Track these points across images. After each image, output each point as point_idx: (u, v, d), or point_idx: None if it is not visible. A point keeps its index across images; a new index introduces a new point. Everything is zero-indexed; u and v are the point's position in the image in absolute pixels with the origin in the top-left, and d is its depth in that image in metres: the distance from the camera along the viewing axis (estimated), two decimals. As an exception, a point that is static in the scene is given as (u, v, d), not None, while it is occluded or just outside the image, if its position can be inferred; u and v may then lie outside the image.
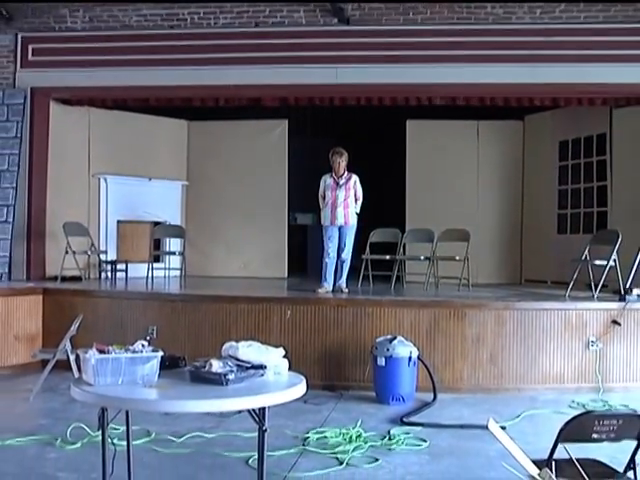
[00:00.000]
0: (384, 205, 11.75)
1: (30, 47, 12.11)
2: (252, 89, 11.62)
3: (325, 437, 6.64)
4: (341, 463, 5.90)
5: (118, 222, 13.34)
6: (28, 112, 11.99)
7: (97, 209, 13.08)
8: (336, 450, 6.24)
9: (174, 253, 12.53)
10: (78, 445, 6.34)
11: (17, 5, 11.98)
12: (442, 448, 6.41)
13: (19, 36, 12.14)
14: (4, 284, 11.14)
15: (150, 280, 11.64)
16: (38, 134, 12.06)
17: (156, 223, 13.33)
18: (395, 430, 6.89)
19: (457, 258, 11.12)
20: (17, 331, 9.96)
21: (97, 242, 12.55)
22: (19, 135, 11.87)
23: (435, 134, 13.11)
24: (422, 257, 11.48)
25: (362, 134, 13.37)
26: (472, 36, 10.92)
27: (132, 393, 4.31)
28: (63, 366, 8.35)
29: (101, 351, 4.41)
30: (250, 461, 5.77)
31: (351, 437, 6.57)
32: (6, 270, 11.59)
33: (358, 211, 10.27)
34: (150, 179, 13.52)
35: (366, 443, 6.43)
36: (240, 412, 4.89)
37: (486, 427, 3.87)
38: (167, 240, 13.14)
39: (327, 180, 10.24)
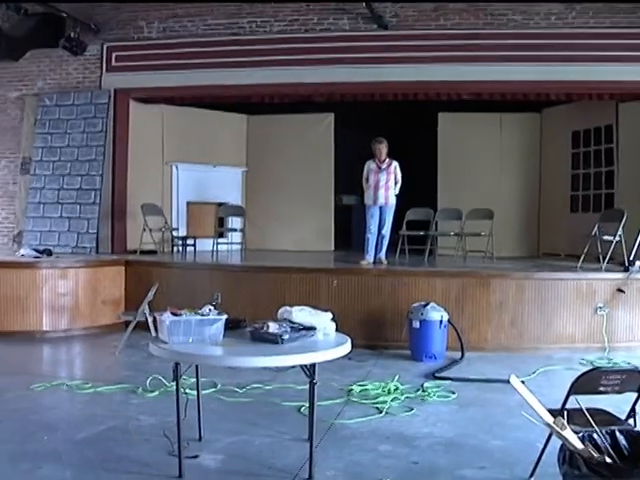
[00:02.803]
0: (419, 187, 11.68)
1: (114, 54, 12.22)
2: (303, 87, 11.58)
3: (367, 389, 6.67)
4: (380, 412, 5.93)
5: (187, 203, 13.43)
6: (112, 110, 12.09)
7: (170, 192, 13.17)
8: (376, 401, 6.26)
9: (236, 230, 12.57)
10: (156, 393, 6.46)
11: (103, 19, 12.10)
12: (468, 399, 6.41)
13: (105, 45, 12.25)
14: (93, 257, 11.27)
15: (215, 253, 11.71)
16: (120, 128, 12.18)
17: (220, 204, 13.38)
18: (428, 384, 6.90)
19: (482, 234, 11.05)
20: (104, 297, 10.10)
21: (170, 220, 12.64)
22: (104, 129, 11.98)
23: (463, 125, 13.00)
24: (452, 233, 11.44)
25: (400, 125, 13.29)
26: (495, 39, 10.79)
27: (201, 350, 4.39)
28: (142, 327, 8.44)
29: (174, 314, 4.49)
30: (302, 409, 5.82)
31: (389, 389, 6.60)
32: (94, 245, 11.72)
33: (397, 192, 10.23)
34: (215, 166, 13.57)
35: (402, 395, 6.46)
36: (293, 367, 4.93)
37: (507, 381, 3.88)
38: (230, 218, 13.18)
39: (370, 165, 10.22)
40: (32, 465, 4.60)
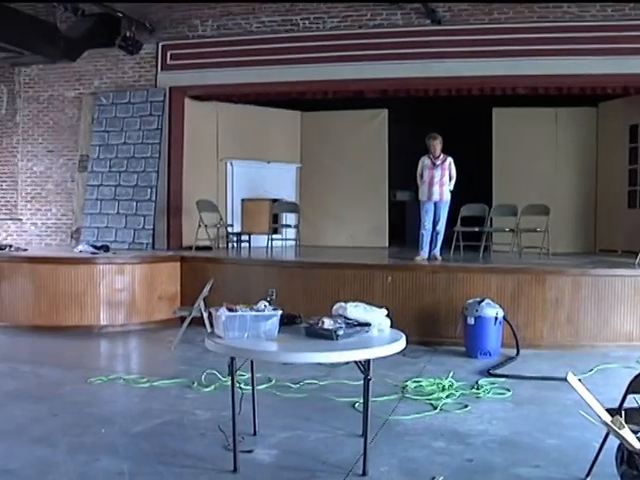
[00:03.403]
0: (473, 183, 11.58)
1: (169, 53, 12.36)
2: (356, 83, 11.55)
3: (421, 386, 6.64)
4: (435, 408, 5.90)
5: (242, 199, 13.49)
6: (167, 107, 12.24)
7: (225, 188, 13.27)
8: (430, 397, 6.24)
9: (290, 226, 12.62)
10: (211, 388, 6.51)
11: (158, 18, 12.24)
12: (524, 397, 6.34)
13: (160, 44, 12.41)
14: (149, 253, 11.42)
15: (270, 249, 11.75)
16: (175, 126, 12.31)
17: (274, 200, 13.43)
18: (482, 380, 6.84)
19: (538, 230, 10.91)
20: (160, 292, 10.22)
21: (225, 217, 12.73)
22: (160, 127, 12.13)
23: (518, 120, 12.81)
24: (507, 229, 11.31)
25: (454, 120, 13.18)
26: (550, 32, 10.62)
27: (256, 345, 4.41)
28: (197, 322, 8.55)
29: (230, 309, 4.52)
30: (356, 405, 5.82)
31: (444, 386, 6.56)
32: (150, 241, 11.87)
33: (452, 189, 10.15)
34: (269, 162, 13.64)
35: (457, 391, 6.41)
36: (347, 363, 4.92)
37: (564, 379, 3.83)
38: (284, 215, 13.22)
39: (425, 161, 10.16)
40: (90, 457, 4.68)
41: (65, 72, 13.07)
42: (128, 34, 11.91)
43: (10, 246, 11.31)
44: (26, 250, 11.34)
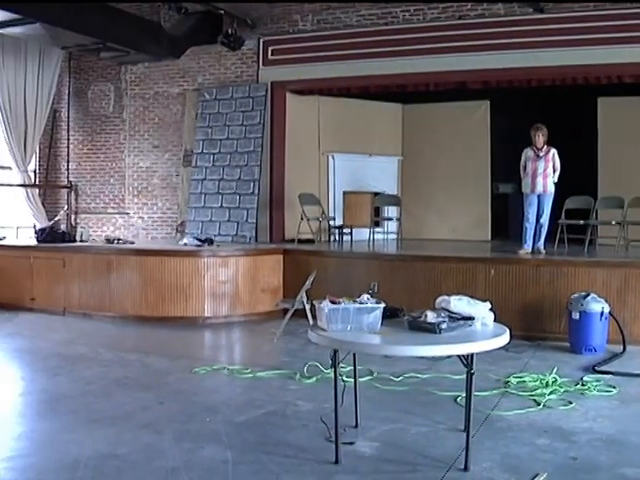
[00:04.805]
0: (578, 175, 11.30)
1: (270, 48, 12.49)
2: (458, 74, 11.40)
3: (524, 381, 6.55)
4: (538, 404, 5.81)
5: (344, 192, 13.53)
6: (269, 102, 12.38)
7: (326, 182, 13.34)
8: (534, 393, 6.14)
9: (391, 219, 12.62)
10: (313, 380, 6.58)
11: (259, 15, 12.40)
12: (631, 395, 6.17)
13: (261, 40, 12.55)
14: (252, 246, 11.59)
15: (371, 242, 11.77)
16: (277, 120, 12.46)
17: (376, 193, 13.43)
18: (587, 377, 6.69)
19: (646, 222, 10.60)
20: (263, 284, 10.37)
21: (327, 210, 12.81)
22: (262, 121, 12.28)
23: (624, 109, 12.39)
24: (613, 222, 10.97)
25: (558, 110, 12.88)
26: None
27: (359, 338, 4.44)
28: (299, 314, 8.65)
29: (333, 302, 4.56)
30: (458, 399, 5.80)
31: (547, 382, 6.44)
32: (253, 234, 12.02)
33: (556, 181, 9.95)
34: (370, 155, 13.65)
35: (561, 388, 6.29)
36: (449, 357, 4.91)
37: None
38: (385, 208, 13.21)
39: (528, 153, 9.99)
40: (194, 445, 4.81)
41: (169, 69, 13.39)
42: (230, 31, 12.10)
43: (118, 239, 11.65)
44: (133, 243, 11.69)
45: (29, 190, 13.57)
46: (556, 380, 6.52)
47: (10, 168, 13.22)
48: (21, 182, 13.37)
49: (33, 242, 11.66)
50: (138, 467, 4.42)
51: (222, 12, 12.01)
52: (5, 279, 11.01)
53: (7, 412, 5.82)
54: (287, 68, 12.31)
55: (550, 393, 6.12)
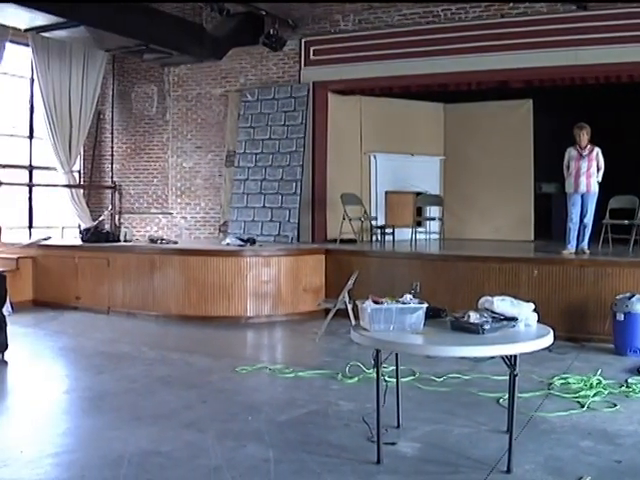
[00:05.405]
0: (622, 174, 11.15)
1: (311, 49, 12.53)
2: (500, 73, 11.33)
3: (568, 383, 6.49)
4: (582, 406, 5.75)
5: (386, 192, 13.52)
6: (311, 102, 12.41)
7: (368, 182, 13.33)
8: (577, 395, 6.08)
9: (434, 219, 12.57)
10: (355, 380, 6.58)
11: (301, 15, 12.44)
12: (677, 397, 6.10)
13: (302, 41, 12.59)
14: (294, 245, 11.63)
15: (413, 242, 11.74)
16: (319, 120, 12.48)
17: (418, 193, 13.39)
18: (632, 379, 6.59)
19: (693, 222, 10.42)
20: (305, 284, 10.39)
21: (369, 210, 12.79)
22: (304, 122, 12.31)
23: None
24: (659, 222, 10.86)
25: (602, 109, 12.73)
26: None
27: (402, 338, 4.44)
28: (341, 314, 8.66)
29: (376, 302, 4.56)
30: (501, 400, 5.76)
31: (591, 384, 6.38)
32: (295, 234, 12.05)
33: (600, 180, 9.83)
34: (412, 155, 13.61)
35: (605, 390, 6.22)
36: (492, 358, 4.88)
37: None
38: (428, 208, 13.16)
39: (571, 152, 9.89)
40: (237, 443, 4.85)
41: (211, 70, 13.49)
42: (272, 31, 12.15)
43: (162, 239, 11.75)
44: (176, 243, 11.79)
45: (74, 191, 13.74)
46: (600, 382, 6.45)
47: (55, 169, 13.40)
48: (66, 183, 13.54)
49: (78, 242, 11.86)
50: (181, 465, 4.47)
51: (264, 13, 12.06)
52: (51, 278, 11.20)
53: (52, 409, 5.92)
54: (329, 68, 12.32)
55: (594, 395, 6.05)
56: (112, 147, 14.62)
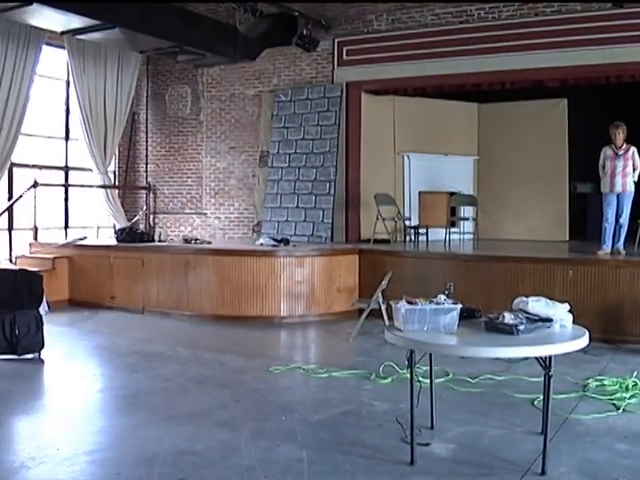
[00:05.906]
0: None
1: (344, 49, 12.52)
2: (534, 72, 11.22)
3: (603, 385, 6.44)
4: (618, 409, 5.70)
5: (419, 193, 13.48)
6: (344, 102, 12.40)
7: (402, 182, 13.30)
8: (613, 397, 6.03)
9: (467, 219, 12.50)
10: (389, 380, 6.59)
11: (334, 16, 12.45)
12: None
13: (335, 41, 12.59)
14: (328, 246, 11.63)
15: (447, 242, 11.69)
16: (352, 120, 12.48)
17: (452, 193, 13.34)
18: (669, 381, 6.55)
19: None
20: (338, 284, 10.41)
21: (402, 210, 12.77)
22: (337, 122, 12.31)
23: None
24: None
25: (638, 108, 12.57)
26: None
27: (436, 339, 4.43)
28: (375, 314, 8.66)
29: (410, 302, 4.56)
30: (535, 402, 5.73)
31: (627, 386, 6.31)
32: (329, 234, 12.06)
33: (636, 180, 9.73)
34: (446, 155, 13.56)
35: (642, 392, 6.18)
36: (526, 359, 4.86)
37: None
38: (461, 208, 13.10)
39: (607, 151, 9.80)
40: (270, 443, 4.87)
41: (245, 71, 13.54)
42: (305, 32, 12.16)
43: (196, 239, 11.80)
44: (210, 243, 11.85)
45: (109, 191, 13.86)
46: (636, 384, 6.38)
47: (91, 170, 13.52)
48: (101, 183, 13.65)
49: (113, 242, 11.95)
50: (215, 464, 4.50)
51: (297, 14, 12.08)
52: (86, 278, 11.32)
53: (87, 408, 5.99)
54: (362, 68, 12.31)
55: (630, 397, 6.00)
56: (147, 148, 14.73)
